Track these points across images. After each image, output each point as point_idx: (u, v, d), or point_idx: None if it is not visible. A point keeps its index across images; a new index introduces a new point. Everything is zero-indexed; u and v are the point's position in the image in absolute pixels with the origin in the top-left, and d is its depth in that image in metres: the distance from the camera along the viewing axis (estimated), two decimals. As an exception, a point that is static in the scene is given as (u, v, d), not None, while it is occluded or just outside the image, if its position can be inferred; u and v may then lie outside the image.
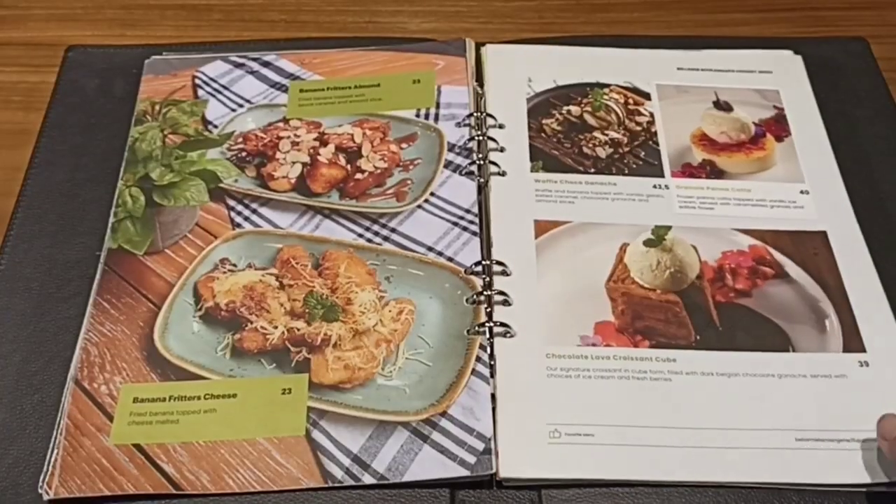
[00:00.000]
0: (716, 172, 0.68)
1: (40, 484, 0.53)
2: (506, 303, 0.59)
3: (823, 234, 0.64)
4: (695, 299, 0.60)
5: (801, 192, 0.66)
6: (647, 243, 0.62)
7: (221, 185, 0.67)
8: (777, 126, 0.71)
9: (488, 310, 0.59)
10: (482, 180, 0.66)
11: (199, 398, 0.56)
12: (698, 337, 0.59)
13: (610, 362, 0.57)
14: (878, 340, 0.59)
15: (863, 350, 0.58)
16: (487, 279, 0.60)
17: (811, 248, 0.63)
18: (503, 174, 0.66)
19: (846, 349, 0.58)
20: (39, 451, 0.54)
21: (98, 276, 0.62)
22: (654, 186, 0.66)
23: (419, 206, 0.65)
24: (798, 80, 0.73)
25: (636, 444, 0.54)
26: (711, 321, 0.60)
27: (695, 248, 0.63)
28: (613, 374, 0.57)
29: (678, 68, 0.74)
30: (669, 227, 0.63)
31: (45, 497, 0.52)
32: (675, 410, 0.55)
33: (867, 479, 0.53)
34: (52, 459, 0.53)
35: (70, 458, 0.53)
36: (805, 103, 0.72)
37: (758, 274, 0.62)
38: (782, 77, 0.74)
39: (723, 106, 0.72)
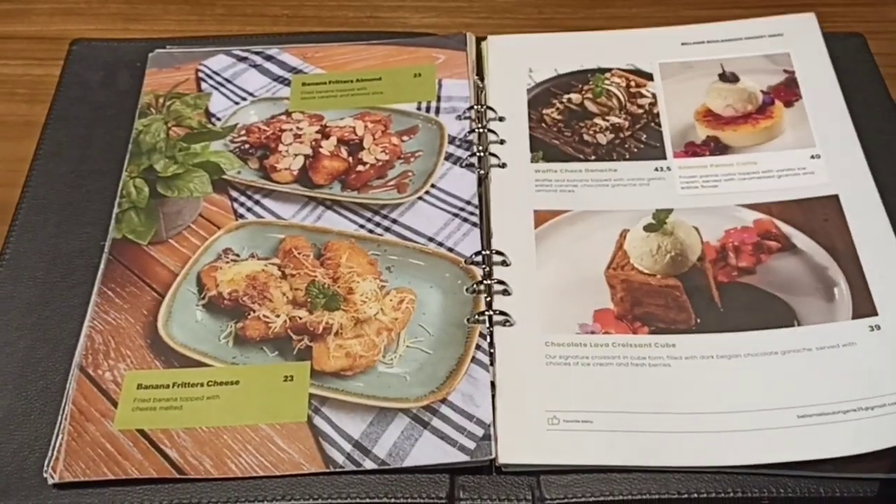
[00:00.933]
0: (720, 148, 0.67)
1: (45, 468, 0.53)
2: (505, 292, 0.60)
3: (835, 198, 0.63)
4: (696, 282, 0.60)
5: (812, 156, 0.65)
6: (648, 228, 0.62)
7: (224, 176, 0.68)
8: (787, 91, 0.69)
9: (488, 299, 0.60)
10: (482, 172, 0.67)
11: (202, 385, 0.57)
12: (698, 320, 0.58)
13: (609, 349, 0.57)
14: (891, 300, 0.57)
15: (874, 313, 0.57)
16: (487, 269, 0.61)
17: (821, 215, 0.62)
18: (503, 166, 0.67)
19: (856, 315, 0.57)
20: (44, 436, 0.55)
21: (102, 266, 0.62)
22: (656, 169, 0.66)
23: (420, 198, 0.66)
24: (812, 39, 0.71)
25: (634, 430, 0.54)
26: (712, 302, 0.59)
27: (697, 229, 0.62)
28: (612, 360, 0.57)
29: (682, 43, 0.73)
30: (670, 211, 0.63)
31: (50, 481, 0.53)
32: (674, 396, 0.55)
33: (869, 448, 0.52)
34: (57, 444, 0.54)
35: (75, 442, 0.54)
36: (818, 62, 0.70)
37: (762, 249, 0.61)
38: (794, 37, 0.72)
39: (729, 77, 0.70)
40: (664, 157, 0.67)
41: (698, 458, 0.53)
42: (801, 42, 0.72)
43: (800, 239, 0.61)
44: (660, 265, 0.61)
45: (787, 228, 0.62)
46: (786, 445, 0.53)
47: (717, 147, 0.67)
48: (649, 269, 0.61)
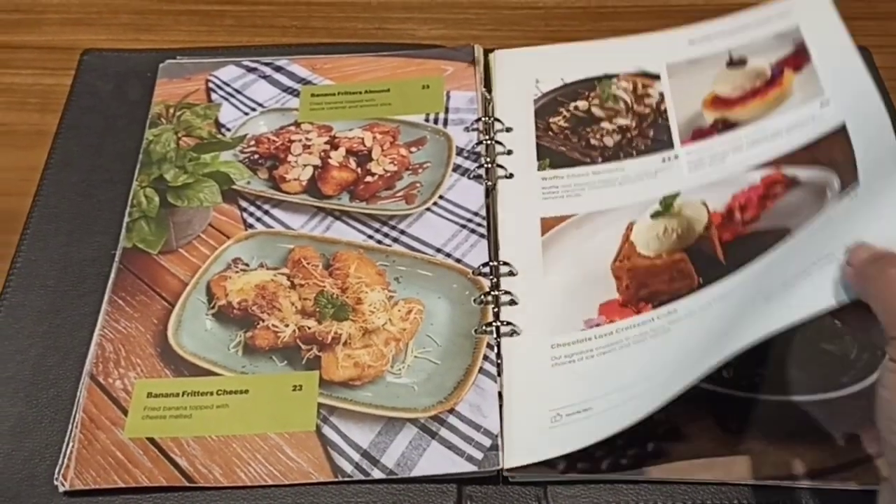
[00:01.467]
0: (728, 126, 0.67)
1: (56, 476, 0.54)
2: (512, 302, 0.60)
3: (842, 127, 0.61)
4: (701, 248, 0.60)
5: (821, 104, 0.64)
6: (655, 215, 0.63)
7: (234, 186, 0.68)
8: (795, 59, 0.68)
9: (495, 310, 0.60)
10: (490, 183, 0.67)
11: (211, 394, 0.57)
12: (701, 280, 0.58)
13: (612, 336, 0.57)
14: (872, 169, 0.56)
15: (856, 180, 0.56)
16: (494, 280, 0.61)
17: (827, 150, 0.61)
18: (510, 176, 0.67)
19: (842, 190, 0.57)
20: (55, 443, 0.55)
21: (113, 275, 0.63)
22: (663, 160, 0.66)
23: (428, 209, 0.66)
24: (822, 7, 0.68)
25: (632, 397, 0.53)
26: (717, 261, 0.59)
27: (704, 203, 0.62)
28: (615, 346, 0.57)
29: (690, 42, 0.72)
30: (677, 194, 0.63)
31: (61, 489, 0.53)
32: (674, 350, 0.54)
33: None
34: (68, 452, 0.55)
35: (85, 450, 0.55)
36: (828, 22, 0.67)
37: (768, 197, 0.61)
38: (803, 10, 0.70)
39: (736, 62, 0.70)
40: (672, 147, 0.67)
41: (702, 367, 0.49)
42: (809, 10, 0.69)
43: (803, 172, 0.61)
44: (666, 245, 0.61)
45: (792, 170, 0.62)
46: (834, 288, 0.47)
47: (724, 126, 0.67)
48: (656, 252, 0.61)
